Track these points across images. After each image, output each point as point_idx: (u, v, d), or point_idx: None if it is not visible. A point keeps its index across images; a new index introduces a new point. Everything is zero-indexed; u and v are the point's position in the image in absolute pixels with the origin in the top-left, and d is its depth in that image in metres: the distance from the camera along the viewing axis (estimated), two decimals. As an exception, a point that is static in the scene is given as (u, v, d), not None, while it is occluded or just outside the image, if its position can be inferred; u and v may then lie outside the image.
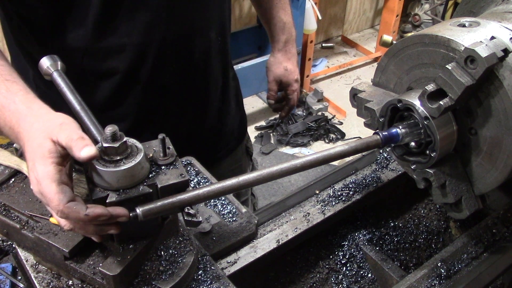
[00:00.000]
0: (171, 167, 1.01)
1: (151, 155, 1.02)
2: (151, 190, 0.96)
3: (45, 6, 1.26)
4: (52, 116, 0.97)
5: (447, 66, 1.00)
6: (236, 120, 1.83)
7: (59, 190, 0.89)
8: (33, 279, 1.09)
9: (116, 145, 0.94)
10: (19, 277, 1.18)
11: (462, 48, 1.01)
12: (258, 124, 4.27)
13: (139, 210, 0.90)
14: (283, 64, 1.91)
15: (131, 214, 0.91)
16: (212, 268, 1.12)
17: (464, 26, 1.10)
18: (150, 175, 0.98)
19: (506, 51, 0.99)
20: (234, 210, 1.35)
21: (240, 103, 1.88)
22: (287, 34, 1.90)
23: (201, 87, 1.60)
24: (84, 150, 0.89)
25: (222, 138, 1.79)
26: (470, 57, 0.97)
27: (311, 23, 3.97)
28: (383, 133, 1.09)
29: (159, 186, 0.97)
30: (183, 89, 1.54)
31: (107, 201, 0.93)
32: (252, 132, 4.17)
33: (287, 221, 1.39)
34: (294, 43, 1.95)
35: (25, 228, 1.09)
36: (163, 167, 1.00)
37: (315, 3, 3.92)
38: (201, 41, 1.50)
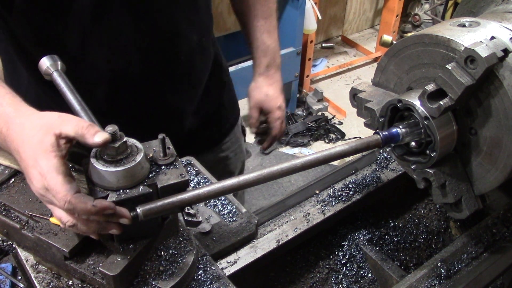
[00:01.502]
0: (171, 167, 1.01)
1: (151, 155, 1.02)
2: (151, 190, 0.96)
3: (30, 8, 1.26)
4: (43, 114, 0.97)
5: (447, 66, 1.00)
6: (229, 110, 1.86)
7: (66, 181, 0.89)
8: (33, 279, 1.09)
9: (116, 145, 0.94)
10: (19, 277, 1.18)
11: (462, 48, 1.01)
12: (258, 124, 4.27)
13: (139, 210, 0.90)
14: (264, 89, 1.78)
15: (131, 214, 0.91)
16: (212, 268, 1.12)
17: (464, 26, 1.10)
18: (150, 175, 0.98)
19: (506, 51, 0.99)
20: (234, 210, 1.35)
21: (232, 94, 1.89)
22: (270, 58, 1.77)
23: (186, 86, 1.60)
24: (98, 135, 0.91)
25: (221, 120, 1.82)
26: (470, 57, 0.97)
27: (311, 23, 3.96)
28: (384, 133, 1.09)
29: (159, 186, 0.97)
30: (168, 87, 1.54)
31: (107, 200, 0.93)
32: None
33: (287, 221, 1.39)
34: (278, 69, 1.82)
35: (25, 228, 1.09)
36: (163, 167, 1.00)
37: (315, 3, 3.92)
38: (184, 43, 1.49)
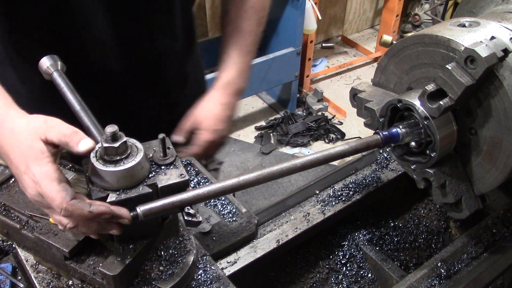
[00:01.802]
0: (171, 167, 1.01)
1: (151, 155, 1.02)
2: (151, 190, 0.96)
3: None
4: (31, 118, 0.96)
5: (447, 66, 1.00)
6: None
7: (60, 188, 0.89)
8: (33, 279, 1.09)
9: (116, 145, 0.94)
10: (19, 277, 1.18)
11: (462, 48, 1.01)
12: (258, 124, 4.27)
13: (139, 210, 0.89)
14: (211, 105, 1.52)
15: (131, 214, 0.91)
16: (212, 268, 1.12)
17: (464, 26, 1.10)
18: (150, 175, 0.98)
19: (506, 51, 0.99)
20: (234, 210, 1.35)
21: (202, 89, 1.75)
22: (233, 75, 1.53)
23: (152, 90, 1.56)
24: (82, 143, 0.90)
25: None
26: (470, 57, 0.97)
27: (311, 23, 3.96)
28: (384, 133, 1.09)
29: (159, 186, 0.97)
30: (138, 88, 1.52)
31: (107, 201, 0.93)
32: (252, 132, 4.17)
33: (287, 221, 1.39)
34: (238, 94, 1.57)
35: (25, 228, 1.09)
36: (163, 167, 1.00)
37: (315, 3, 3.92)
38: (154, 46, 1.46)
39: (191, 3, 1.60)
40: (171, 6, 1.44)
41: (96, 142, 0.97)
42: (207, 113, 1.53)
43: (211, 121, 1.52)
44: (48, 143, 0.91)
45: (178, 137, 1.54)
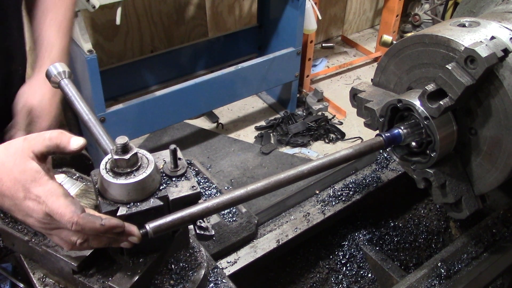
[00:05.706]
0: (183, 178, 0.97)
1: (161, 166, 0.98)
2: (162, 203, 0.92)
3: None
4: (6, 144, 0.90)
5: (447, 66, 1.00)
6: None
7: (68, 202, 0.86)
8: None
9: (127, 157, 0.90)
10: (19, 277, 1.18)
11: (462, 48, 1.01)
12: (258, 124, 4.26)
13: (148, 227, 0.86)
14: (49, 94, 1.31)
15: (141, 231, 0.88)
16: (224, 281, 1.10)
17: (464, 26, 1.10)
18: (161, 187, 0.95)
19: (506, 51, 0.99)
20: (234, 210, 1.35)
21: None
22: (60, 58, 1.34)
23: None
24: (73, 141, 0.88)
25: None
26: (470, 57, 0.97)
27: (311, 23, 3.96)
28: (386, 135, 1.09)
29: (170, 198, 0.94)
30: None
31: (117, 214, 0.89)
32: (252, 132, 4.17)
33: (287, 221, 1.39)
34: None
35: (33, 240, 1.05)
36: (174, 179, 0.97)
37: (315, 3, 3.92)
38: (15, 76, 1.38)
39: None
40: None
41: (106, 153, 0.94)
42: (39, 101, 1.31)
43: (54, 112, 1.33)
44: (38, 158, 0.87)
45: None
